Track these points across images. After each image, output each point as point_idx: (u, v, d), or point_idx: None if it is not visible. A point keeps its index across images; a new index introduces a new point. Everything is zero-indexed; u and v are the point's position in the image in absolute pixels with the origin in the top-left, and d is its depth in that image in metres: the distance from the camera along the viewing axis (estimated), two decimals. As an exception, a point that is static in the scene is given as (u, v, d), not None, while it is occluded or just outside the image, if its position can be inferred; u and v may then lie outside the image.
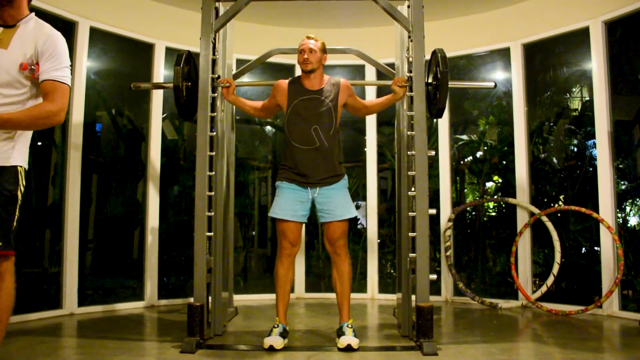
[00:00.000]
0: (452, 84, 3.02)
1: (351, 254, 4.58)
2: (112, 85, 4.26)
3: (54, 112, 1.92)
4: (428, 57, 3.02)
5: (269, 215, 2.92)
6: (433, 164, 4.56)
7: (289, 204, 2.85)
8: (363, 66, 4.80)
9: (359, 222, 4.89)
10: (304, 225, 2.96)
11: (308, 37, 2.94)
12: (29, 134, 2.02)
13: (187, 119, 3.56)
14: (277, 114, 3.25)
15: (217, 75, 3.07)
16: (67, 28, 3.83)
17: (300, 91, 2.93)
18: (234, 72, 3.70)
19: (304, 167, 2.85)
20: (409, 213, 2.90)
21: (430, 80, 3.04)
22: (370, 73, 4.82)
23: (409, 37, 2.99)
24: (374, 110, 3.23)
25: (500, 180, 4.64)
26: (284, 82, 3.01)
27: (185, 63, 3.01)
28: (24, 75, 1.91)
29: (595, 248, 3.90)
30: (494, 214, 4.66)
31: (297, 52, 2.93)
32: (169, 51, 4.39)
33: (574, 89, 4.27)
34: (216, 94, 3.03)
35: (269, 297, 4.50)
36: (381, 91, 4.82)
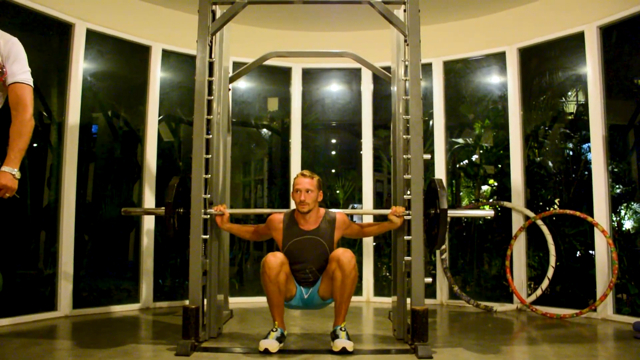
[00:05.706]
0: (451, 212, 2.87)
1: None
2: (108, 87, 4.26)
3: (32, 119, 1.93)
4: (424, 61, 3.03)
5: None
6: (429, 168, 4.57)
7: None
8: (359, 69, 4.81)
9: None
10: None
11: (303, 175, 2.86)
12: None
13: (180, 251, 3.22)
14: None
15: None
16: (63, 30, 3.84)
17: (296, 232, 2.88)
18: (230, 74, 3.70)
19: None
20: (405, 216, 2.91)
21: (428, 209, 2.92)
22: (367, 76, 4.83)
23: (405, 41, 3.00)
24: (369, 235, 3.25)
25: (495, 184, 4.66)
26: (278, 220, 2.93)
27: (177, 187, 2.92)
28: None
29: (590, 252, 3.91)
30: (489, 217, 4.67)
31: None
32: (166, 53, 4.39)
33: (569, 93, 4.29)
34: (212, 97, 3.02)
35: (264, 300, 4.48)
36: (377, 95, 4.84)
